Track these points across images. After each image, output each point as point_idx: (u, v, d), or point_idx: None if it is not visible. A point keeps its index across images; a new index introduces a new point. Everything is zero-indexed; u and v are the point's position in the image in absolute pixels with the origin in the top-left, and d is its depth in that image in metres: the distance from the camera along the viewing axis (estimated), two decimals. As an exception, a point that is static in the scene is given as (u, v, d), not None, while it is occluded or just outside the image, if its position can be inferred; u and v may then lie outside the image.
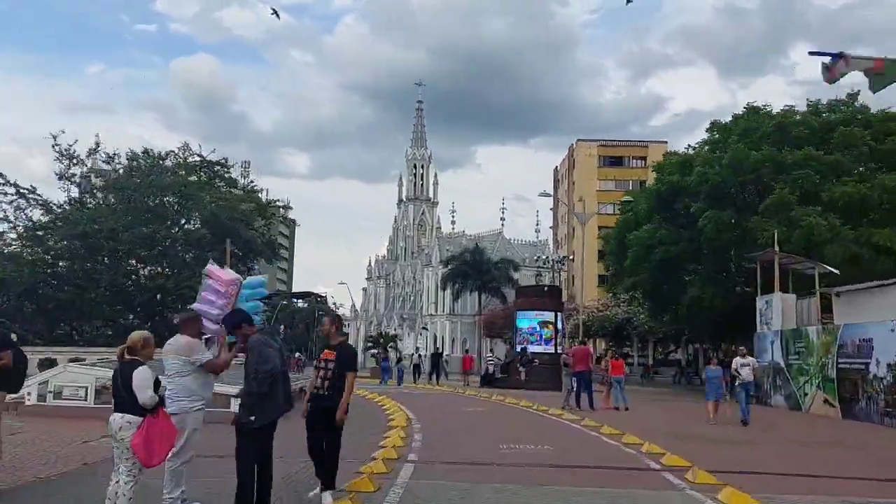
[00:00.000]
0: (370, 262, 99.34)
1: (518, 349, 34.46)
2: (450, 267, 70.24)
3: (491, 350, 39.95)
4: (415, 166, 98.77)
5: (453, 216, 78.56)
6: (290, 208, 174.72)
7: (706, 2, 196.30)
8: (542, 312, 34.84)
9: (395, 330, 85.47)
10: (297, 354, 52.49)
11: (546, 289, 39.33)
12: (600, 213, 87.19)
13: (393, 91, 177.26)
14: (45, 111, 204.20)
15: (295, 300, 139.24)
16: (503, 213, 76.31)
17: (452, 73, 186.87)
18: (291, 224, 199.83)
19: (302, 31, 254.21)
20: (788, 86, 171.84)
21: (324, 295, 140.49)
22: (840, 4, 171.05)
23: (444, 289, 71.09)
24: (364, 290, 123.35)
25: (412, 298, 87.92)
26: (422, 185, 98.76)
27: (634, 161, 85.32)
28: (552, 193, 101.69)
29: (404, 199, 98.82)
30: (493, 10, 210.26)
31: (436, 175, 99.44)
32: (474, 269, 67.35)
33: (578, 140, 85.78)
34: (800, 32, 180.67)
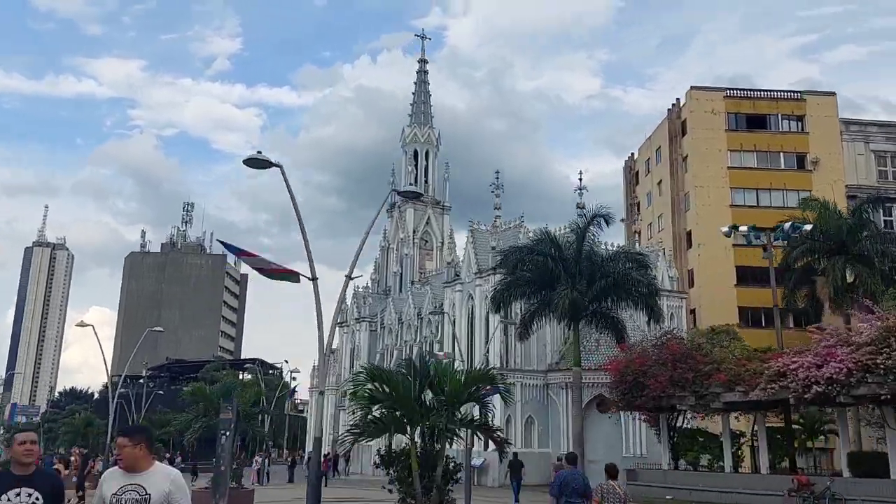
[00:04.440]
0: (344, 299, 64.06)
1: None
2: (505, 275, 35.53)
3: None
4: (416, 153, 64.89)
5: (497, 192, 43.70)
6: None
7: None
8: None
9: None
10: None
11: None
12: (735, 204, 53.79)
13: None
14: None
15: (238, 369, 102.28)
16: (580, 179, 41.07)
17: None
18: (242, 279, 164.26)
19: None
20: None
21: (277, 365, 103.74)
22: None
23: (497, 311, 35.89)
24: (331, 350, 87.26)
25: (423, 347, 52.33)
26: (426, 180, 64.67)
27: (786, 122, 52.48)
28: (625, 194, 68.55)
29: (398, 202, 64.22)
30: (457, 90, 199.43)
31: (447, 167, 65.63)
32: (569, 271, 32.70)
33: (692, 88, 52.84)
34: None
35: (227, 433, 15.79)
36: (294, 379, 56.27)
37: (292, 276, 12.53)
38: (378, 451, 14.06)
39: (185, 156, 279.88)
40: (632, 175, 63.81)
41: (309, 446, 62.57)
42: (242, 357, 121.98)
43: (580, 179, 45.49)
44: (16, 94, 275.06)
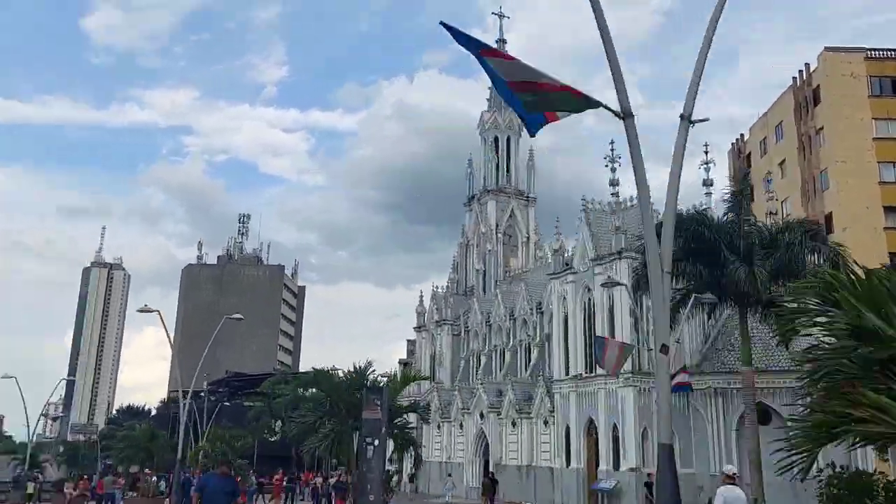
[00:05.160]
0: (420, 301, 58.00)
1: None
2: (638, 257, 29.02)
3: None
4: (496, 140, 58.96)
5: (613, 167, 37.33)
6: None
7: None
8: None
9: (481, 414, 43.36)
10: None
11: None
12: (885, 180, 46.37)
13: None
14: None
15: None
16: (706, 152, 34.75)
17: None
18: (300, 291, 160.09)
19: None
20: None
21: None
22: None
23: (637, 291, 29.45)
24: (401, 361, 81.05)
25: (518, 352, 46.14)
26: (507, 169, 58.66)
27: (940, 84, 44.99)
28: (733, 180, 61.28)
29: (478, 194, 58.34)
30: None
31: (531, 154, 59.44)
32: (733, 248, 26.44)
33: (826, 49, 45.77)
34: None
35: (376, 441, 9.95)
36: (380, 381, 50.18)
37: (580, 101, 6.39)
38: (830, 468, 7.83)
39: (235, 180, 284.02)
40: (742, 159, 56.69)
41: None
42: (300, 370, 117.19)
43: (706, 153, 38.86)
44: (82, 123, 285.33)
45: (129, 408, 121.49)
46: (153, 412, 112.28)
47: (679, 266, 27.28)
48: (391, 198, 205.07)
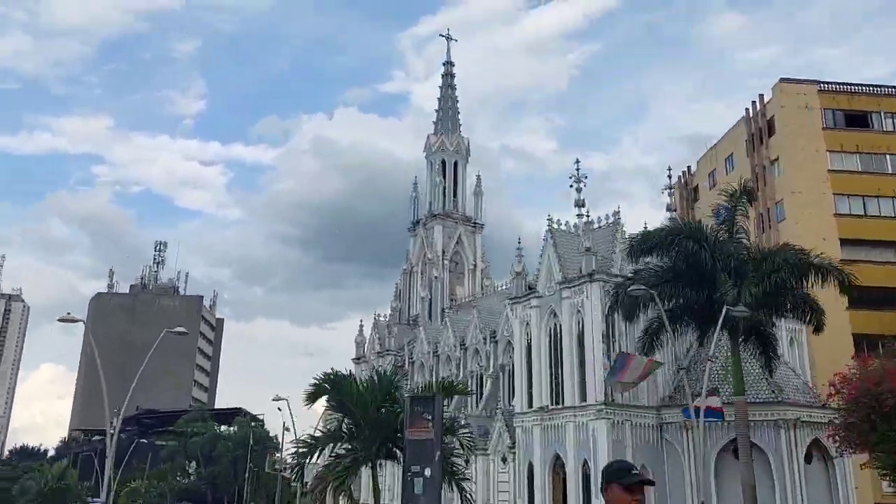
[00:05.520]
0: (360, 331, 54.38)
1: None
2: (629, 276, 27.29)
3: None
4: (443, 163, 56.70)
5: (578, 186, 35.49)
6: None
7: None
8: None
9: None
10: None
11: None
12: (840, 212, 46.23)
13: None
14: None
15: (220, 421, 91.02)
16: (669, 177, 33.89)
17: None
18: (217, 324, 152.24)
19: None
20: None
21: (260, 416, 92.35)
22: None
23: (632, 315, 26.96)
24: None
25: (471, 386, 43.22)
26: (454, 194, 56.33)
27: (889, 120, 45.60)
28: (683, 215, 60.85)
29: (424, 219, 55.70)
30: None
31: (478, 180, 57.34)
32: (726, 267, 24.75)
33: (782, 80, 45.73)
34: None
35: (428, 471, 7.05)
36: (288, 429, 45.97)
37: None
38: None
39: (148, 212, 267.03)
40: (689, 191, 56.28)
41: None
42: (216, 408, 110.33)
43: (669, 177, 37.78)
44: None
45: (24, 448, 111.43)
46: (50, 453, 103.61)
47: (666, 288, 25.41)
48: (308, 234, 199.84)
